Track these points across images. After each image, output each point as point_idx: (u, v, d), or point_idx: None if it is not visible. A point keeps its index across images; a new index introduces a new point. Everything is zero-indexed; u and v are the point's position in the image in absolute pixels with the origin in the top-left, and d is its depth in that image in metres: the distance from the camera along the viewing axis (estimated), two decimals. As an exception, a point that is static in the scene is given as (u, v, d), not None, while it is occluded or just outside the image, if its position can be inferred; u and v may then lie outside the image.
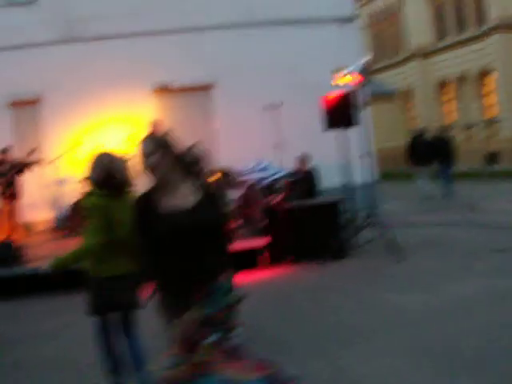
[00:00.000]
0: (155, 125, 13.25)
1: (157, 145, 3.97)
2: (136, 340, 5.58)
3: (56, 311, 9.43)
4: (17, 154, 14.42)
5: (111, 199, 5.34)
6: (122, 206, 5.30)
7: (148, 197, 4.00)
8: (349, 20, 17.33)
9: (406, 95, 37.25)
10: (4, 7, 16.67)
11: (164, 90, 16.74)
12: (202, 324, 3.80)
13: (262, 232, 11.45)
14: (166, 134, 4.15)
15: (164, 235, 3.84)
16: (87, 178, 5.53)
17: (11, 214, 13.80)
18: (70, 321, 8.68)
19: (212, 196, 4.04)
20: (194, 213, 3.87)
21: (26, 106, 16.84)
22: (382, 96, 34.82)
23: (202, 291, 3.83)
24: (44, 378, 6.55)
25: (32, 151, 13.80)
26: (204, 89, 16.83)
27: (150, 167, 3.96)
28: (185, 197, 3.92)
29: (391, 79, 36.90)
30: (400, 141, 30.94)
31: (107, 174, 5.34)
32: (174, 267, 3.86)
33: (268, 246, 11.08)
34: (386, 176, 25.69)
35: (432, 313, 7.52)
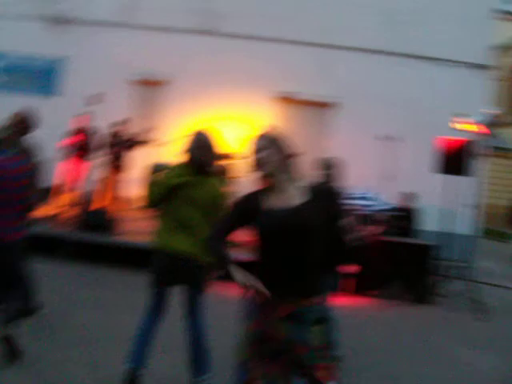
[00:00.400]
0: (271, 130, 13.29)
1: (270, 141, 3.98)
2: (199, 323, 5.58)
3: (140, 286, 9.68)
4: (133, 130, 14.85)
5: (192, 177, 5.46)
6: (199, 188, 5.45)
7: (254, 195, 3.94)
8: (481, 67, 16.99)
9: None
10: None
11: (286, 98, 16.85)
12: (281, 350, 3.68)
13: (354, 260, 11.38)
14: (280, 134, 4.10)
15: (266, 232, 3.76)
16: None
17: (113, 185, 14.20)
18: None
19: (322, 198, 3.91)
20: (300, 212, 3.77)
21: (152, 85, 17.29)
22: (503, 152, 33.95)
23: (289, 307, 3.70)
24: (118, 346, 6.69)
25: (148, 130, 14.15)
26: (325, 106, 16.81)
27: (260, 162, 3.92)
28: (291, 197, 3.84)
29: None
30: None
31: (192, 152, 5.50)
32: (270, 270, 3.74)
33: (356, 275, 11.02)
34: (491, 233, 25.08)
35: (503, 378, 7.31)
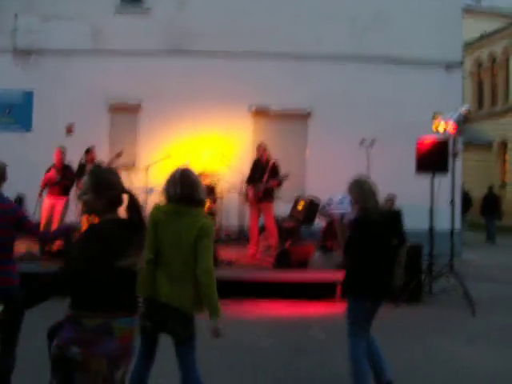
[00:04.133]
0: (259, 148, 13.20)
1: (93, 183, 4.03)
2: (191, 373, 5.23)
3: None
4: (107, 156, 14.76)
5: (172, 216, 5.09)
6: (179, 227, 5.02)
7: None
8: (454, 66, 17.23)
9: (502, 147, 36.39)
10: (119, 13, 17.31)
11: (262, 112, 16.95)
12: None
13: (341, 265, 11.41)
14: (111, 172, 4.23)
15: None
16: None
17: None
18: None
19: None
20: None
21: (126, 111, 17.28)
22: (477, 145, 34.37)
23: None
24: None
25: (118, 154, 13.85)
26: (301, 117, 16.95)
27: (84, 204, 4.07)
28: None
29: (489, 129, 36.21)
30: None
31: (175, 189, 5.14)
32: None
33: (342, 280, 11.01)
34: (473, 225, 25.56)
35: (499, 371, 7.36)
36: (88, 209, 4.08)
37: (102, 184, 4.01)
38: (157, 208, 5.21)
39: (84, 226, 13.68)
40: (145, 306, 5.05)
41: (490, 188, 25.33)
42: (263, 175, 12.58)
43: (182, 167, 5.40)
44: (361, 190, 6.30)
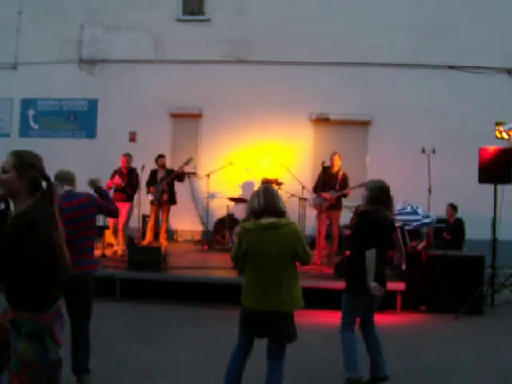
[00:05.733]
0: (335, 156, 13.09)
1: (17, 162, 3.95)
2: (276, 370, 5.60)
3: (194, 321, 9.71)
4: (173, 164, 14.99)
5: (262, 230, 5.46)
6: (266, 240, 5.44)
7: None
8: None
9: None
10: (180, 23, 17.53)
11: (321, 120, 16.87)
12: None
13: (400, 275, 11.29)
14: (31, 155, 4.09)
15: None
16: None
17: (162, 220, 14.27)
18: (208, 332, 8.93)
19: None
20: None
21: (187, 118, 17.44)
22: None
23: (11, 314, 3.93)
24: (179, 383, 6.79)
25: (188, 161, 14.20)
26: (361, 124, 16.79)
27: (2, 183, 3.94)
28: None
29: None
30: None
31: (258, 200, 5.58)
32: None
33: (403, 291, 10.89)
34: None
35: None
36: (7, 190, 3.93)
37: (25, 163, 3.95)
38: (243, 227, 5.63)
39: (148, 233, 13.94)
40: (248, 315, 5.59)
41: None
42: (334, 183, 12.61)
43: (265, 185, 5.88)
44: (381, 191, 6.60)
